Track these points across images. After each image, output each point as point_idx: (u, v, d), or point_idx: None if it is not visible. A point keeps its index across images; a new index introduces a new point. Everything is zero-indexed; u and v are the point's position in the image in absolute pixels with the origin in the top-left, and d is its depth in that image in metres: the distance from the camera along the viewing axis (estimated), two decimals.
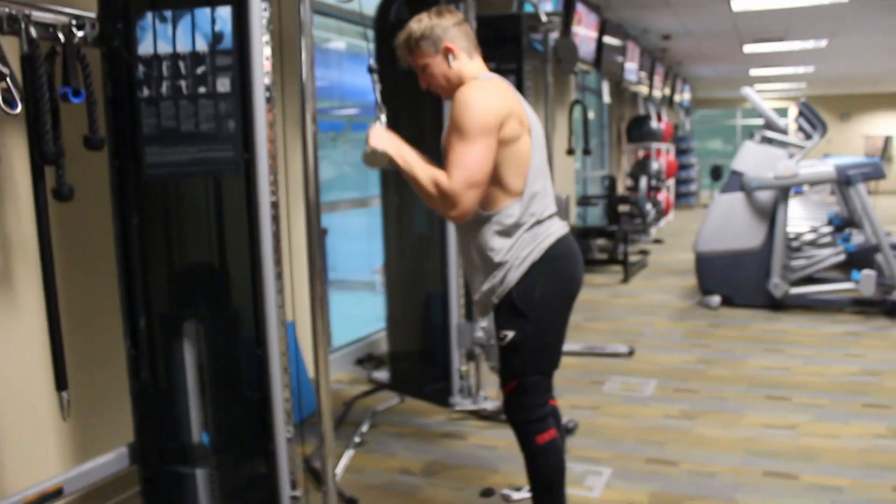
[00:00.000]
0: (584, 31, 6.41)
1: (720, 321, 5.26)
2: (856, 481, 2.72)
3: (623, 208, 8.72)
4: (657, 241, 9.57)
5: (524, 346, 2.05)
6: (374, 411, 3.56)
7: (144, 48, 2.17)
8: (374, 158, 2.03)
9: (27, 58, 1.95)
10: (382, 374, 4.04)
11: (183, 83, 2.16)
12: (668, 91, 11.56)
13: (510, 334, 2.04)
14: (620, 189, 10.45)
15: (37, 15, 1.99)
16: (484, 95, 1.92)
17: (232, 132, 2.15)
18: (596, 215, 9.75)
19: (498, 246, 2.03)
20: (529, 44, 4.28)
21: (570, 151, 4.62)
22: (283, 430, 2.27)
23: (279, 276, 2.23)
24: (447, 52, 2.04)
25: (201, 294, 2.30)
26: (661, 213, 10.63)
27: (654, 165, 10.31)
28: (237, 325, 2.27)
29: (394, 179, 3.60)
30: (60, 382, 2.11)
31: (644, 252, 8.37)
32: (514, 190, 2.01)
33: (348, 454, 3.06)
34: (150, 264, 2.28)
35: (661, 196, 10.74)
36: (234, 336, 2.30)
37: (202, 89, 2.15)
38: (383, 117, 2.17)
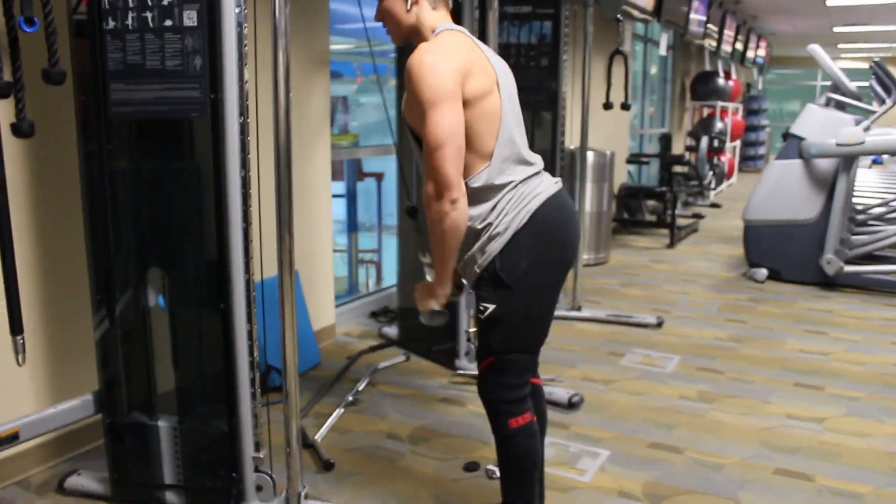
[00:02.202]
0: None
1: (763, 296, 4.95)
2: (877, 489, 2.48)
3: (678, 169, 8.34)
4: (714, 206, 9.15)
5: (506, 321, 1.87)
6: (375, 369, 3.44)
7: None
8: (431, 319, 1.91)
9: None
10: (392, 330, 3.92)
11: (149, 15, 2.01)
12: (739, 46, 10.90)
13: (491, 307, 1.86)
14: (679, 148, 10.00)
15: None
16: (435, 60, 1.73)
17: (199, 70, 2.00)
18: (652, 175, 9.35)
19: (475, 213, 1.84)
20: None
21: (607, 106, 4.33)
22: (246, 387, 2.16)
23: (246, 229, 2.10)
24: None
25: (168, 242, 2.18)
26: (722, 176, 10.14)
27: (718, 125, 9.80)
28: (202, 276, 2.15)
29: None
30: (15, 327, 2.02)
31: (698, 216, 8.00)
32: (486, 152, 1.81)
33: (337, 413, 2.95)
34: (116, 208, 2.17)
35: (724, 158, 10.24)
36: (199, 287, 2.18)
37: (168, 22, 1.99)
38: (431, 269, 1.98)
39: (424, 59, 1.73)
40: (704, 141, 9.14)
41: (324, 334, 3.82)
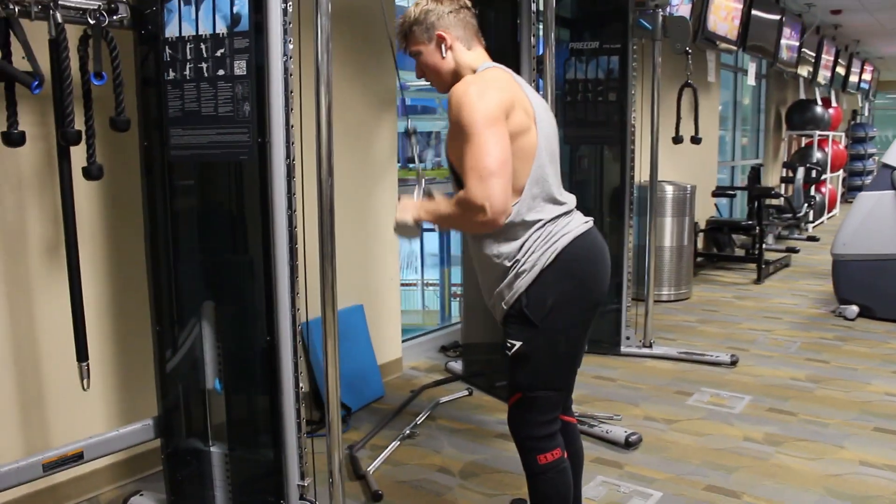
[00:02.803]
0: (726, 3, 5.90)
1: (851, 335, 4.70)
2: None
3: (773, 201, 8.04)
4: (812, 239, 8.74)
5: (533, 358, 1.88)
6: (437, 403, 3.48)
7: (171, 31, 2.18)
8: (404, 230, 1.95)
9: (53, 42, 2.01)
10: (458, 365, 3.96)
11: (204, 66, 2.16)
12: (841, 72, 10.47)
13: (517, 345, 1.88)
14: (774, 180, 9.65)
15: (66, 1, 2.05)
16: (481, 89, 1.76)
17: (247, 115, 2.13)
18: (746, 208, 9.06)
19: (504, 251, 1.87)
20: (636, 21, 3.98)
21: (676, 140, 4.27)
22: (292, 418, 2.25)
23: (293, 266, 2.19)
24: (440, 41, 1.90)
25: (221, 279, 2.32)
26: (822, 208, 9.70)
27: (817, 155, 9.41)
28: (252, 312, 2.26)
29: None
30: (81, 354, 2.19)
31: (792, 250, 7.68)
32: (518, 187, 1.83)
33: (393, 446, 3.01)
34: (176, 245, 2.32)
35: (824, 189, 9.80)
36: (249, 323, 2.29)
37: (221, 71, 2.14)
38: (419, 188, 2.06)
39: (470, 88, 1.76)
40: (800, 172, 8.78)
41: (390, 368, 3.90)
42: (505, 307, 1.90)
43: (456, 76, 1.91)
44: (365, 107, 3.55)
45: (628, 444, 2.99)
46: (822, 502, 2.58)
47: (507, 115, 1.76)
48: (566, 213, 1.91)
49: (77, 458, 2.26)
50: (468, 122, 1.72)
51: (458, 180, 1.84)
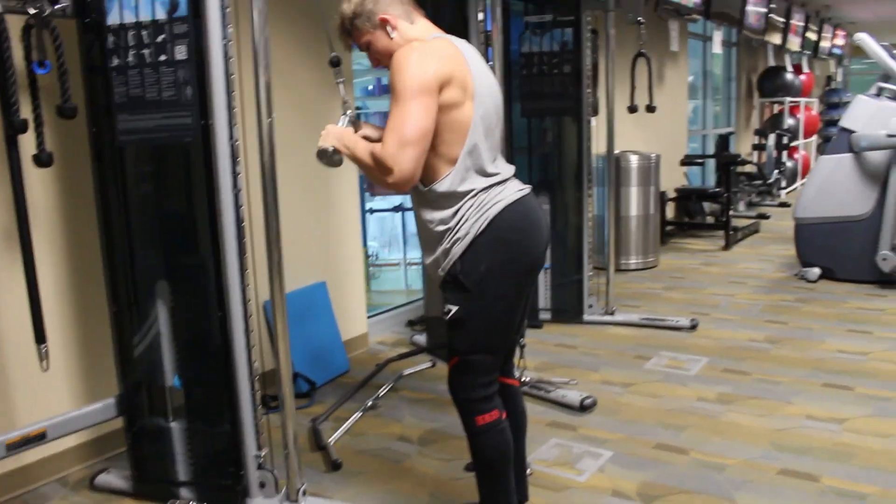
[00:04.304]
0: None
1: (812, 296, 4.84)
2: (885, 490, 2.45)
3: (745, 168, 8.17)
4: (784, 205, 8.89)
5: (468, 322, 1.97)
6: (400, 375, 3.59)
7: (112, 19, 2.25)
8: (325, 157, 2.01)
9: None
10: (423, 338, 4.06)
11: (146, 52, 2.23)
12: (813, 37, 10.56)
13: (453, 309, 1.97)
14: (746, 148, 9.77)
15: None
16: (421, 57, 1.83)
17: (190, 99, 2.20)
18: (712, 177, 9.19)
19: (438, 217, 1.96)
20: None
21: (632, 109, 4.37)
22: (247, 392, 2.34)
23: (241, 243, 2.28)
24: (384, 24, 1.96)
25: (173, 259, 2.40)
26: (794, 175, 9.84)
27: (789, 122, 9.53)
28: (204, 290, 2.35)
29: None
30: (39, 336, 2.28)
31: (762, 216, 7.81)
32: (451, 157, 1.92)
33: (355, 417, 3.11)
34: (128, 226, 2.40)
35: (797, 155, 9.94)
36: (202, 301, 2.38)
37: (163, 57, 2.21)
38: (344, 117, 2.13)
39: (411, 55, 1.83)
40: (771, 139, 8.92)
41: (356, 343, 4.00)
42: (441, 273, 1.99)
43: None
44: (317, 84, 3.61)
45: (583, 408, 3.11)
46: (765, 455, 2.71)
47: (442, 87, 1.83)
48: (499, 183, 1.99)
49: (40, 437, 2.35)
50: (401, 87, 1.80)
51: None
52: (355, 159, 1.96)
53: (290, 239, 3.01)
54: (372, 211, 6.29)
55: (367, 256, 5.61)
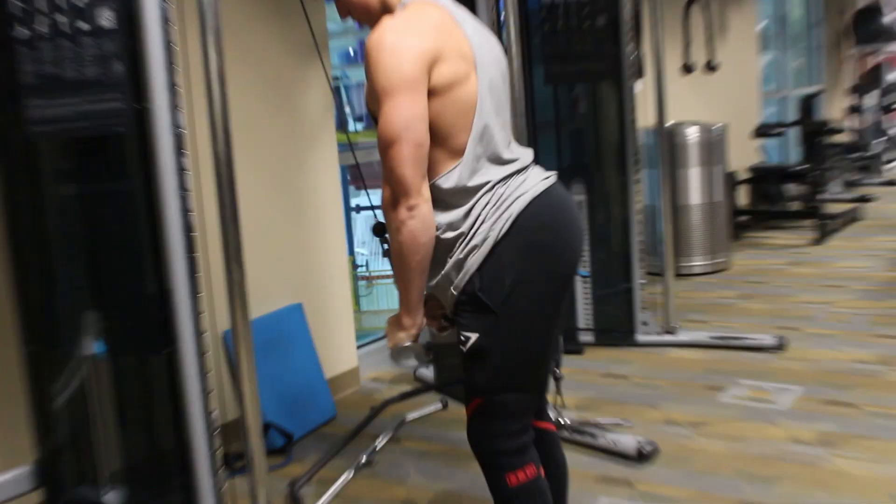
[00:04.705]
0: None
1: None
2: None
3: (836, 138, 8.14)
4: (891, 183, 8.87)
5: (493, 353, 1.96)
6: (403, 421, 3.58)
7: None
8: (403, 354, 2.03)
9: None
10: (430, 372, 4.06)
11: (62, 19, 2.22)
12: None
13: (473, 337, 1.96)
14: (838, 112, 9.75)
15: None
16: (398, 40, 1.85)
17: (121, 77, 2.20)
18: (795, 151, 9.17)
19: (444, 220, 1.94)
20: None
21: (687, 70, 4.36)
22: (203, 451, 2.33)
23: (192, 258, 2.27)
24: None
25: (106, 281, 2.39)
26: None
27: (891, 77, 9.50)
28: (145, 319, 2.34)
29: None
30: None
31: (864, 199, 7.78)
32: (457, 147, 1.92)
33: (345, 478, 3.10)
34: (45, 242, 2.40)
35: None
36: (143, 332, 2.37)
37: (83, 25, 2.21)
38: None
39: (385, 38, 1.85)
40: (871, 99, 8.90)
41: (343, 381, 3.99)
42: (455, 292, 1.98)
43: (380, 10, 2.00)
44: (286, 55, 3.62)
45: (641, 457, 3.10)
46: None
47: (434, 64, 1.86)
48: (519, 171, 1.99)
49: None
50: (379, 87, 1.84)
51: None
52: (403, 279, 1.96)
53: (255, 250, 3.01)
54: (359, 209, 6.28)
55: (354, 268, 5.60)
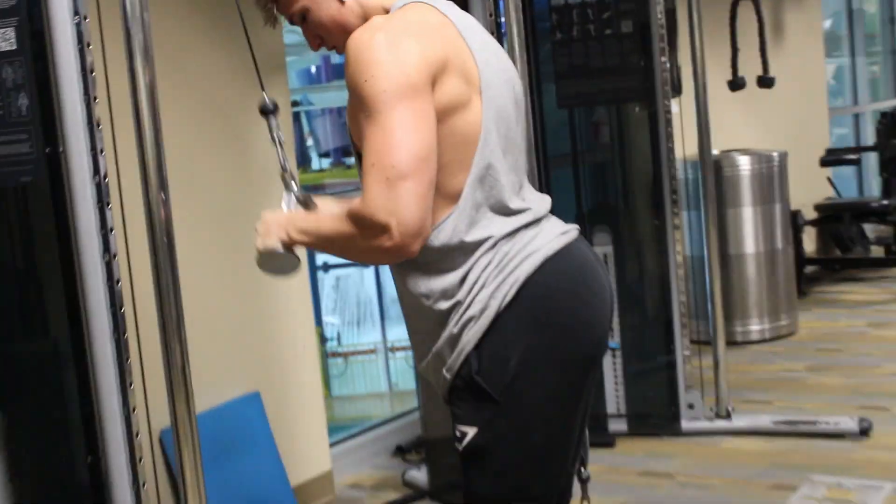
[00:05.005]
0: None
1: None
2: None
3: None
4: None
5: (495, 453, 1.95)
6: None
7: None
8: (272, 261, 2.03)
9: None
10: (423, 474, 4.04)
11: None
12: None
13: (470, 432, 1.95)
14: None
15: None
16: (392, 38, 1.83)
17: (25, 114, 2.23)
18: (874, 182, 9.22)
19: (438, 287, 1.95)
20: None
21: (736, 85, 4.41)
22: None
23: (120, 342, 2.28)
24: None
25: (8, 375, 2.40)
26: None
27: None
28: (63, 421, 2.35)
29: None
30: None
31: None
32: (451, 191, 1.92)
33: None
34: None
35: None
36: (60, 439, 2.38)
37: None
38: (288, 194, 2.16)
39: (375, 38, 1.82)
40: None
41: (314, 489, 3.97)
42: (448, 375, 1.98)
43: (367, 19, 1.98)
44: (234, 80, 3.64)
45: None
46: None
47: (435, 79, 1.84)
48: (530, 224, 1.99)
49: None
50: (371, 95, 1.79)
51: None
52: (324, 240, 1.98)
53: (199, 326, 3.01)
54: (327, 267, 6.30)
55: (323, 342, 5.60)
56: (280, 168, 2.19)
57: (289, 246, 1.98)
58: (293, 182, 2.16)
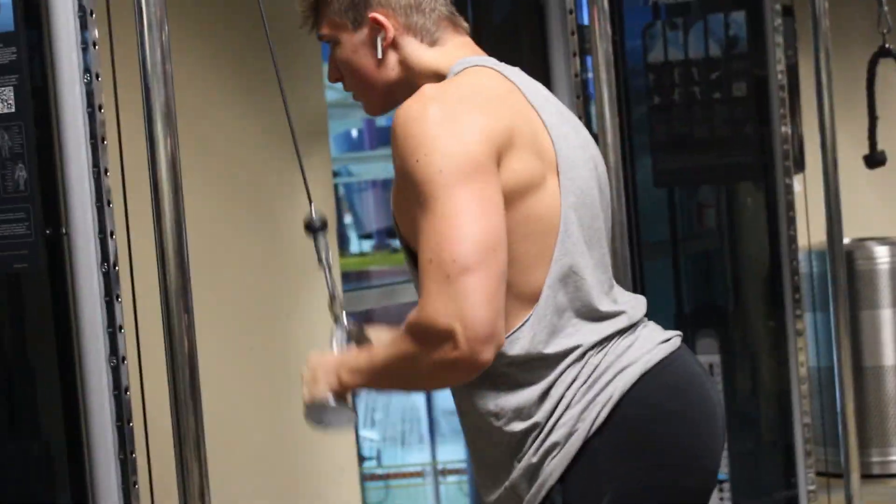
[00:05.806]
0: None
1: None
2: None
3: None
4: None
5: None
6: None
7: None
8: (324, 415, 2.05)
9: None
10: None
11: None
12: None
13: None
14: None
15: None
16: (448, 111, 1.84)
17: (23, 190, 2.27)
18: None
19: (509, 404, 1.94)
20: None
21: (874, 161, 4.40)
22: None
23: (126, 460, 2.30)
24: (375, 28, 2.03)
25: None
26: None
27: None
28: None
29: None
30: None
31: None
32: (528, 292, 1.93)
33: None
34: None
35: None
36: None
37: None
38: (338, 329, 2.19)
39: (428, 110, 1.84)
40: None
41: None
42: None
43: (404, 89, 2.01)
44: (268, 145, 3.69)
45: None
46: None
47: (501, 155, 1.85)
48: (624, 331, 2.00)
49: None
50: (424, 177, 1.79)
51: (415, 261, 1.91)
52: (379, 377, 2.00)
53: (218, 448, 3.02)
54: None
55: (361, 461, 5.61)
56: (329, 296, 2.18)
57: (341, 394, 2.00)
58: (343, 314, 2.18)
